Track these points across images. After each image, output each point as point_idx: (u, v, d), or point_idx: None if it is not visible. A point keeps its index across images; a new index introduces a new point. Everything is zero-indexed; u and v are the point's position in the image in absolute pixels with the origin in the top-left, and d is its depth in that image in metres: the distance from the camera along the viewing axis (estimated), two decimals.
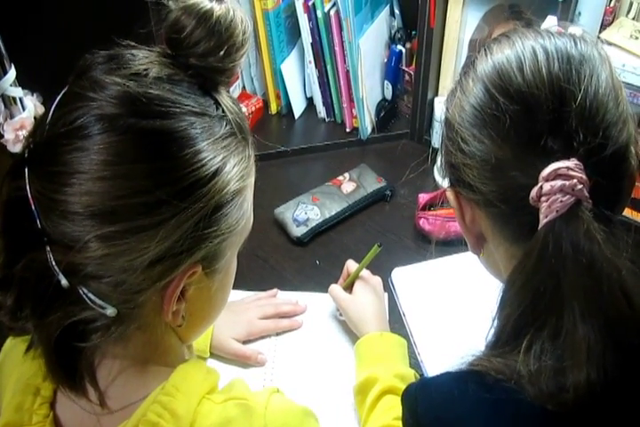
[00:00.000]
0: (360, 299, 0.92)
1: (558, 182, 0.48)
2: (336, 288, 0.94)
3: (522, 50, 0.53)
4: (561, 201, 0.48)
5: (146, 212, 0.46)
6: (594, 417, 0.48)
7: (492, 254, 0.60)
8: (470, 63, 0.56)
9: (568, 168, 0.48)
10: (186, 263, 0.49)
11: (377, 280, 0.95)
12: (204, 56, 0.50)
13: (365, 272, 0.95)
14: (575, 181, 0.48)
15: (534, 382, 0.48)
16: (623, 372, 0.47)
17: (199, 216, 0.48)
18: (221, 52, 0.51)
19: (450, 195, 0.60)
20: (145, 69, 0.49)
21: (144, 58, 0.51)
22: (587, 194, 0.49)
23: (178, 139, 0.48)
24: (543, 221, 0.49)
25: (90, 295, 0.48)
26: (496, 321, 0.53)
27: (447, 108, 0.58)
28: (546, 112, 0.50)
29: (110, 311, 0.49)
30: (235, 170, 0.51)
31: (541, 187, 0.49)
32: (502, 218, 0.55)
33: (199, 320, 0.59)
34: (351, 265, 0.96)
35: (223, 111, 0.52)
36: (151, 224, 0.46)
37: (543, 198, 0.49)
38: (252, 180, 0.55)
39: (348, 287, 0.95)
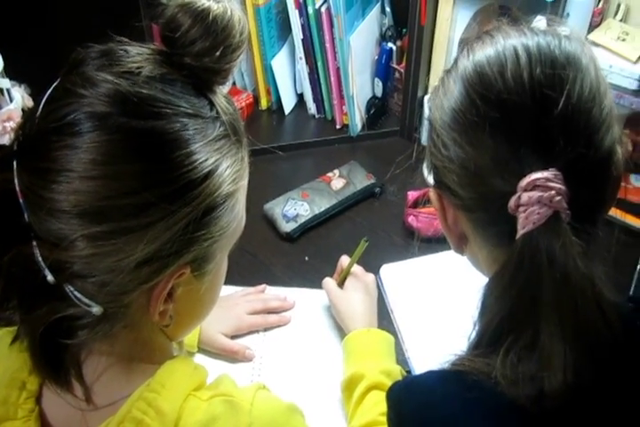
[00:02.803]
0: (350, 295, 0.92)
1: (536, 193, 0.47)
2: (329, 282, 0.94)
3: (503, 51, 0.51)
4: (538, 213, 0.47)
5: (134, 213, 0.46)
6: (572, 418, 0.49)
7: (475, 254, 0.60)
8: (454, 62, 0.55)
9: (546, 179, 0.47)
10: (174, 266, 0.49)
11: (370, 278, 0.94)
12: (200, 56, 0.50)
13: (358, 269, 0.95)
14: (553, 192, 0.47)
15: (511, 387, 0.48)
16: (597, 380, 0.47)
17: (189, 219, 0.47)
18: (217, 53, 0.50)
19: (432, 195, 0.59)
20: (138, 68, 0.48)
21: (137, 55, 0.50)
22: (565, 205, 0.48)
23: (169, 140, 0.47)
24: (520, 232, 0.48)
25: (76, 293, 0.48)
26: (477, 325, 0.53)
27: (430, 108, 0.57)
28: (526, 120, 0.49)
29: (96, 310, 0.48)
30: (227, 172, 0.50)
31: (519, 197, 0.48)
32: (481, 224, 0.55)
33: (187, 320, 0.58)
34: (344, 261, 0.96)
35: (217, 112, 0.51)
36: (139, 226, 0.46)
37: (521, 209, 0.48)
38: (244, 182, 0.54)
39: (342, 283, 0.95)
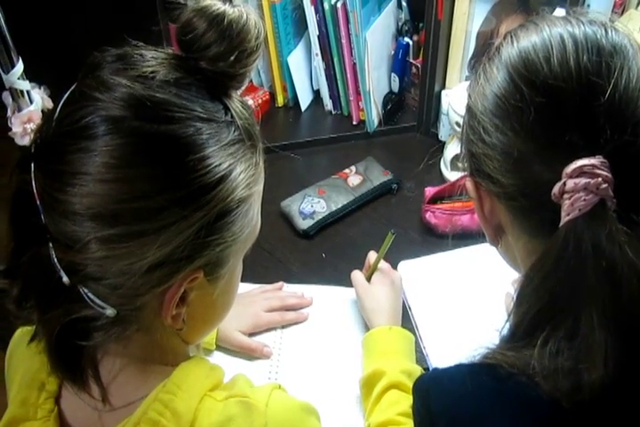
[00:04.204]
0: (376, 289, 0.91)
1: (582, 180, 0.47)
2: (358, 274, 0.94)
3: (549, 38, 0.51)
4: (584, 200, 0.47)
5: (146, 217, 0.46)
6: (608, 414, 0.48)
7: (510, 246, 0.59)
8: (495, 49, 0.55)
9: (593, 166, 0.47)
10: (186, 270, 0.49)
11: (396, 275, 0.94)
12: (215, 60, 0.50)
13: (386, 265, 0.95)
14: (600, 179, 0.47)
15: (549, 379, 0.47)
16: (637, 373, 0.47)
17: (201, 224, 0.48)
18: (232, 57, 0.50)
19: (469, 185, 0.59)
20: (152, 72, 0.48)
21: (152, 59, 0.50)
22: (611, 193, 0.47)
23: (182, 145, 0.47)
24: (565, 219, 0.48)
25: (89, 295, 0.48)
26: (512, 316, 0.52)
27: (469, 95, 0.56)
28: (572, 106, 0.48)
29: (110, 312, 0.49)
30: (241, 177, 0.50)
31: (565, 183, 0.47)
32: (522, 212, 0.54)
33: (201, 324, 0.58)
34: (372, 256, 0.96)
35: (232, 117, 0.51)
36: (151, 229, 0.46)
37: (566, 196, 0.47)
38: (259, 187, 0.54)
39: (369, 278, 0.94)
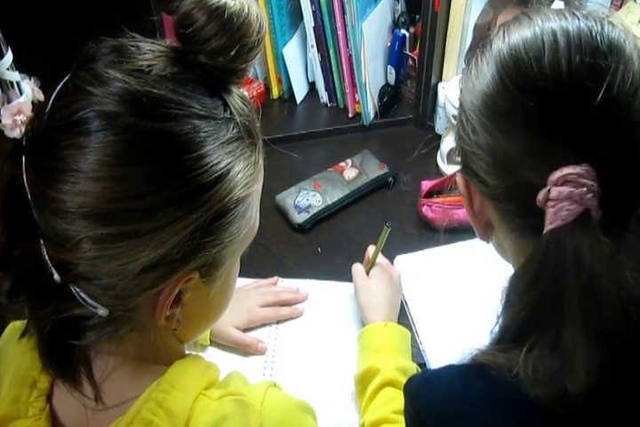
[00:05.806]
0: (373, 284, 0.91)
1: (567, 189, 0.45)
2: (359, 267, 0.93)
3: (541, 35, 0.48)
4: (567, 209, 0.45)
5: (140, 217, 0.44)
6: (593, 418, 0.47)
7: (501, 242, 0.58)
8: (488, 43, 0.52)
9: (578, 175, 0.45)
10: (180, 271, 0.48)
11: (395, 271, 0.94)
12: (214, 54, 0.48)
13: (384, 261, 0.94)
14: (585, 189, 0.45)
15: (534, 384, 0.47)
16: (620, 384, 0.46)
17: (197, 225, 0.46)
18: (232, 52, 0.48)
19: (459, 180, 0.57)
20: (149, 66, 0.47)
21: (149, 52, 0.48)
22: (596, 204, 0.46)
23: (179, 143, 0.45)
24: (547, 227, 0.46)
25: (81, 294, 0.47)
26: (500, 318, 0.52)
27: (461, 90, 0.55)
28: (561, 111, 0.47)
29: (102, 312, 0.48)
30: (239, 176, 0.48)
31: (549, 191, 0.46)
32: (508, 214, 0.53)
33: (196, 323, 0.57)
34: (371, 250, 0.95)
35: (231, 113, 0.49)
36: (145, 230, 0.45)
37: (550, 203, 0.46)
38: (258, 186, 0.52)
39: (368, 273, 0.94)
